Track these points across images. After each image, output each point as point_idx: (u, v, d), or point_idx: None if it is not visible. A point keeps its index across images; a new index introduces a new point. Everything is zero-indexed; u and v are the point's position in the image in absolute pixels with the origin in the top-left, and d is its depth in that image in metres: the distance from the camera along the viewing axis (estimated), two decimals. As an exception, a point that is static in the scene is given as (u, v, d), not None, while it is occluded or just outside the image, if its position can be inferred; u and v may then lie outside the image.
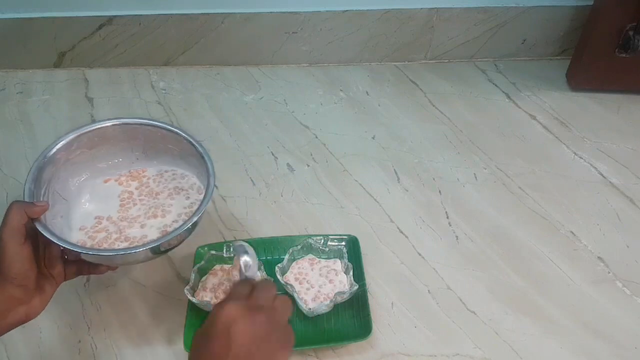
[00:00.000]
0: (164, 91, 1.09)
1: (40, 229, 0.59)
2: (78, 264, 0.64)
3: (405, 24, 1.10)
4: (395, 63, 1.16)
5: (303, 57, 1.15)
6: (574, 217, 0.86)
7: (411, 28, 1.11)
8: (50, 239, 0.58)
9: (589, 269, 0.80)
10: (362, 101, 1.07)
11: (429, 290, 0.77)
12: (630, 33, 0.98)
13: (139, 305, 0.75)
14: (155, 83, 1.11)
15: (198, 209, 0.63)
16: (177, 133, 0.70)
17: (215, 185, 0.66)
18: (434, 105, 1.06)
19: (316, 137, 0.99)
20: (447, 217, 0.86)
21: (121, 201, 0.71)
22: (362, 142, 0.99)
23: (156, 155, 0.74)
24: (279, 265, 0.73)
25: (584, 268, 0.80)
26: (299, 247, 0.76)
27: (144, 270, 0.77)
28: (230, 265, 0.75)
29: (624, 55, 1.01)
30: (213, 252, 0.75)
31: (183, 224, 0.62)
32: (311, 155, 0.96)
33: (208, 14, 1.07)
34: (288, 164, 0.94)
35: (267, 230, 0.83)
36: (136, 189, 0.73)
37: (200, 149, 0.69)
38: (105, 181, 0.74)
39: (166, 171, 0.75)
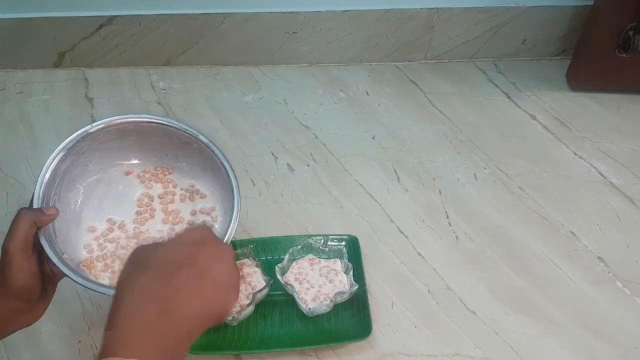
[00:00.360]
0: (164, 91, 1.09)
1: (44, 245, 0.55)
2: None
3: (405, 24, 1.10)
4: (395, 63, 1.16)
5: (303, 57, 1.15)
6: (574, 217, 0.86)
7: (411, 28, 1.11)
8: (54, 261, 0.55)
9: (589, 269, 0.80)
10: (362, 101, 1.07)
11: (429, 290, 0.77)
12: (630, 33, 0.98)
13: (139, 305, 0.75)
14: (155, 83, 1.11)
15: None
16: (213, 151, 0.64)
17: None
18: (434, 105, 1.06)
19: (316, 137, 0.99)
20: (447, 217, 0.86)
21: (139, 207, 0.66)
22: (362, 142, 0.99)
23: (186, 159, 0.68)
24: (279, 265, 0.73)
25: (584, 268, 0.80)
26: (299, 247, 0.76)
27: (144, 270, 0.77)
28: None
29: (624, 55, 1.01)
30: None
31: None
32: (311, 155, 0.96)
33: (208, 14, 1.07)
34: (288, 164, 0.94)
35: (267, 230, 0.83)
36: (159, 197, 0.67)
37: (233, 180, 0.63)
38: (127, 174, 0.67)
39: (197, 192, 0.68)
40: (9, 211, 0.86)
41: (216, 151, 0.64)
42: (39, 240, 0.55)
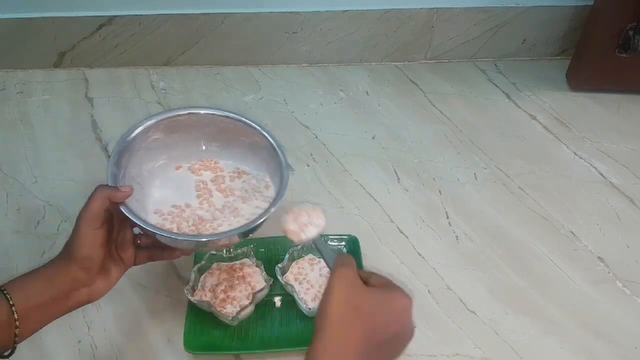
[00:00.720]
0: (164, 91, 1.09)
1: (127, 213, 0.59)
2: (150, 250, 0.64)
3: (405, 24, 1.10)
4: (395, 63, 1.16)
5: (303, 57, 1.15)
6: (574, 217, 0.86)
7: (411, 28, 1.11)
8: (137, 222, 0.59)
9: (589, 269, 0.80)
10: (362, 101, 1.07)
11: (429, 290, 0.77)
12: (630, 33, 0.98)
13: (139, 305, 0.75)
14: (155, 83, 1.11)
15: (277, 195, 0.65)
16: (250, 125, 0.69)
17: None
18: (434, 105, 1.06)
19: (316, 137, 0.99)
20: (447, 217, 0.86)
21: (197, 191, 0.70)
22: (362, 142, 0.99)
23: (227, 146, 0.73)
24: (279, 265, 0.73)
25: (584, 268, 0.80)
26: (299, 247, 0.76)
27: (144, 270, 0.77)
28: (228, 264, 0.75)
29: (624, 55, 1.01)
30: (213, 252, 0.75)
31: (264, 212, 0.64)
32: (311, 155, 0.96)
33: (208, 14, 1.07)
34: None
35: (267, 230, 0.82)
36: (211, 180, 0.72)
37: (272, 140, 0.68)
38: (177, 168, 0.72)
39: (243, 172, 0.73)
40: (9, 211, 0.86)
41: (253, 124, 0.69)
42: (109, 217, 0.59)
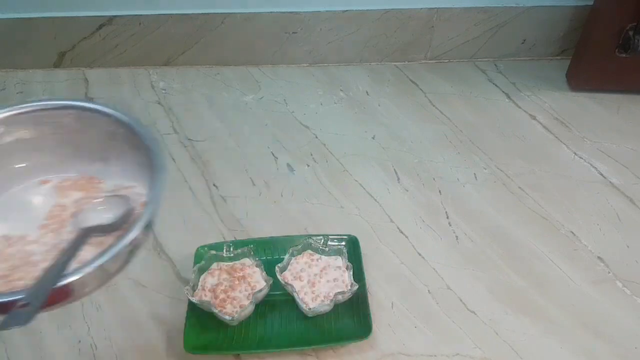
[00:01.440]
0: (164, 91, 1.09)
1: None
2: None
3: (405, 24, 1.10)
4: (395, 63, 1.16)
5: (303, 57, 1.15)
6: (574, 217, 0.86)
7: (411, 28, 1.11)
8: None
9: (589, 269, 0.80)
10: (362, 101, 1.07)
11: (429, 290, 0.77)
12: (630, 33, 0.98)
13: (139, 305, 0.75)
14: (155, 83, 1.11)
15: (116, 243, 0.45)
16: (134, 131, 0.50)
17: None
18: (434, 105, 1.06)
19: (316, 137, 1.00)
20: (447, 217, 0.86)
21: (49, 219, 0.51)
22: (362, 142, 0.99)
23: (116, 160, 0.54)
24: (278, 265, 0.73)
25: (584, 268, 0.80)
26: (299, 247, 0.76)
27: (144, 271, 0.78)
28: (228, 264, 0.75)
29: (624, 55, 1.01)
30: (213, 252, 0.75)
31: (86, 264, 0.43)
32: (311, 155, 0.96)
33: (208, 14, 1.07)
34: (288, 164, 0.94)
35: (267, 230, 0.83)
36: (75, 201, 0.53)
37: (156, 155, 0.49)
38: (43, 182, 0.54)
39: (124, 188, 0.54)
40: None
41: (139, 130, 0.50)
42: None
